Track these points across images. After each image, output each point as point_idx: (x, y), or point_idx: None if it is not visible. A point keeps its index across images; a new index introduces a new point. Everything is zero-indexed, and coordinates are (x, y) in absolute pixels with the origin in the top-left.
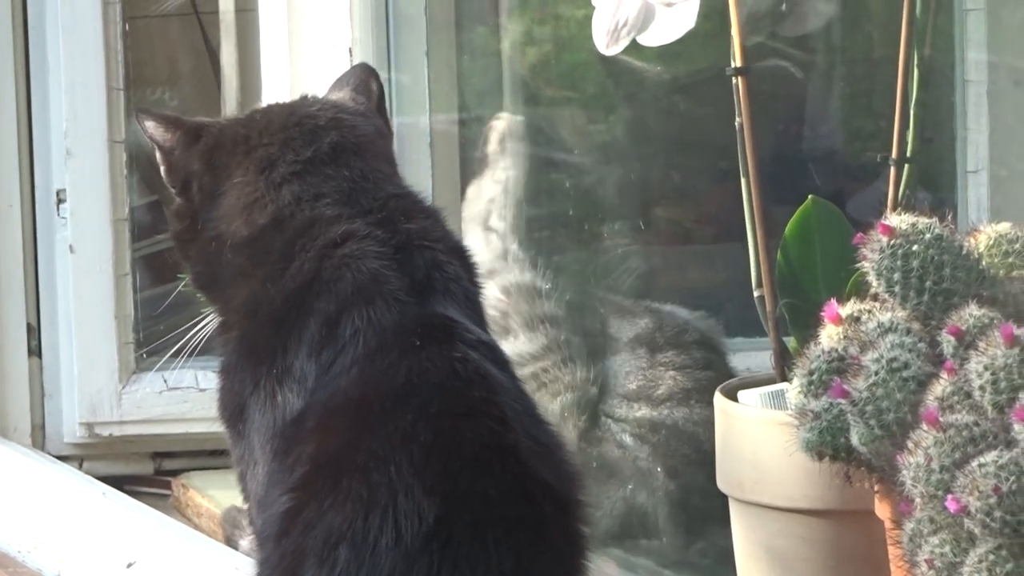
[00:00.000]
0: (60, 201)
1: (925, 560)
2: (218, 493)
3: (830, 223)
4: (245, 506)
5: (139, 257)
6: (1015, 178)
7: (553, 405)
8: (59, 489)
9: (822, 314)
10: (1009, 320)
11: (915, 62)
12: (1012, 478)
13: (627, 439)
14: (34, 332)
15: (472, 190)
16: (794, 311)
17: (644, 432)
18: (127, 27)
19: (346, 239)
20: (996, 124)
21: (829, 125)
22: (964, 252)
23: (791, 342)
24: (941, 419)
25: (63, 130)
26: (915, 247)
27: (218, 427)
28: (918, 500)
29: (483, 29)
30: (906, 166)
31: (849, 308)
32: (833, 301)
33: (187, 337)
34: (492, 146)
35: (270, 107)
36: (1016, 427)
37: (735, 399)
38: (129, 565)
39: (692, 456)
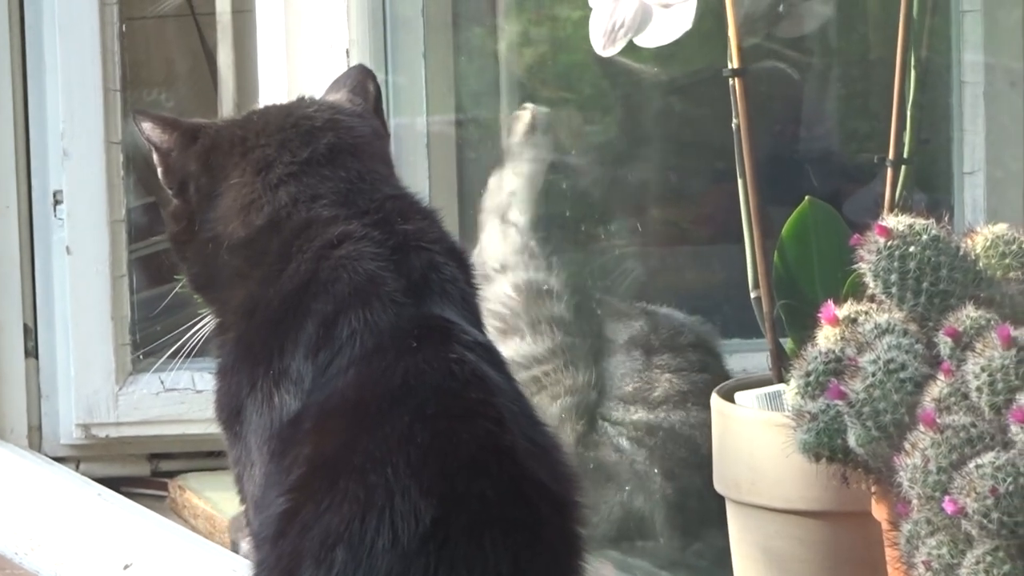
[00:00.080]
0: (57, 202)
1: (922, 561)
2: (215, 495)
3: (827, 224)
4: (242, 507)
5: (136, 258)
6: (1011, 179)
7: (552, 408)
8: (56, 491)
9: (819, 315)
10: (1006, 321)
11: (912, 63)
12: (1009, 479)
13: (624, 442)
14: (31, 333)
15: (494, 181)
16: (791, 312)
17: (641, 435)
18: (124, 28)
19: (343, 240)
20: (992, 125)
21: (826, 126)
22: (961, 253)
23: (788, 343)
24: (938, 420)
25: (60, 131)
26: (912, 248)
27: (215, 428)
28: (915, 501)
29: (480, 30)
30: (903, 167)
31: (846, 309)
32: (830, 302)
33: (184, 339)
34: (516, 137)
35: (267, 108)
36: (1013, 428)
37: (732, 400)
38: (126, 567)
39: (689, 459)
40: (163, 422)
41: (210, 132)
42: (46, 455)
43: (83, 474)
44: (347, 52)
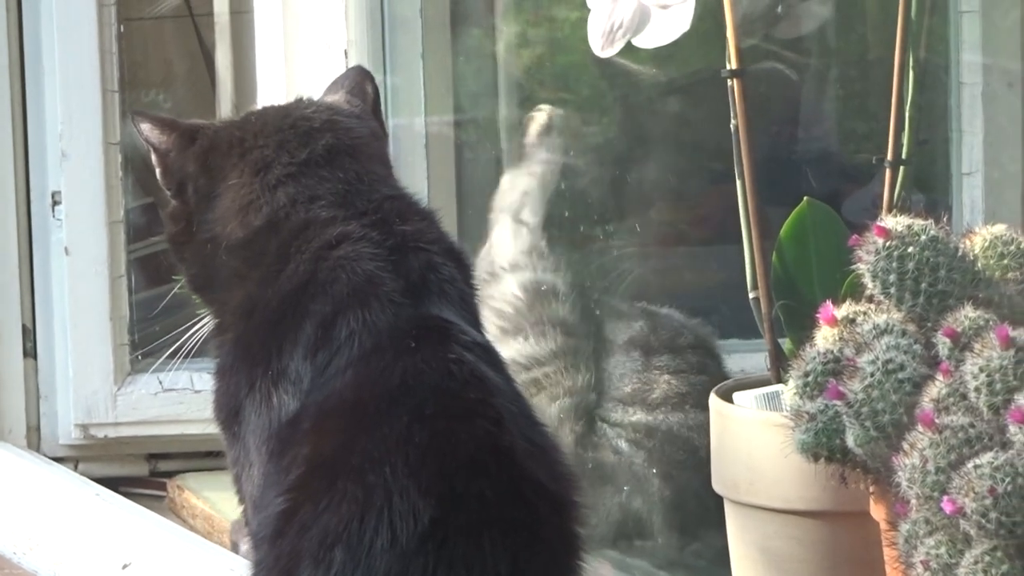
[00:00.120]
0: (55, 203)
1: (921, 561)
2: (213, 495)
3: (825, 225)
4: (240, 508)
5: (134, 259)
6: (1009, 180)
7: (551, 409)
8: (54, 491)
9: (817, 316)
10: (1004, 322)
11: (910, 64)
12: (1008, 479)
13: (622, 444)
14: (29, 334)
15: (507, 180)
16: (789, 313)
17: (639, 437)
18: (122, 29)
19: (341, 241)
20: (990, 126)
21: (824, 127)
22: (959, 254)
23: (786, 344)
24: (937, 421)
25: (58, 132)
26: (911, 249)
27: (213, 429)
28: (914, 501)
29: (478, 31)
30: (901, 168)
31: (844, 310)
32: (828, 303)
33: (183, 339)
34: (531, 137)
35: (265, 109)
36: (1012, 428)
37: (731, 401)
38: (124, 566)
39: (687, 460)
40: (161, 422)
41: (208, 133)
42: (45, 455)
43: (82, 474)
44: (345, 53)
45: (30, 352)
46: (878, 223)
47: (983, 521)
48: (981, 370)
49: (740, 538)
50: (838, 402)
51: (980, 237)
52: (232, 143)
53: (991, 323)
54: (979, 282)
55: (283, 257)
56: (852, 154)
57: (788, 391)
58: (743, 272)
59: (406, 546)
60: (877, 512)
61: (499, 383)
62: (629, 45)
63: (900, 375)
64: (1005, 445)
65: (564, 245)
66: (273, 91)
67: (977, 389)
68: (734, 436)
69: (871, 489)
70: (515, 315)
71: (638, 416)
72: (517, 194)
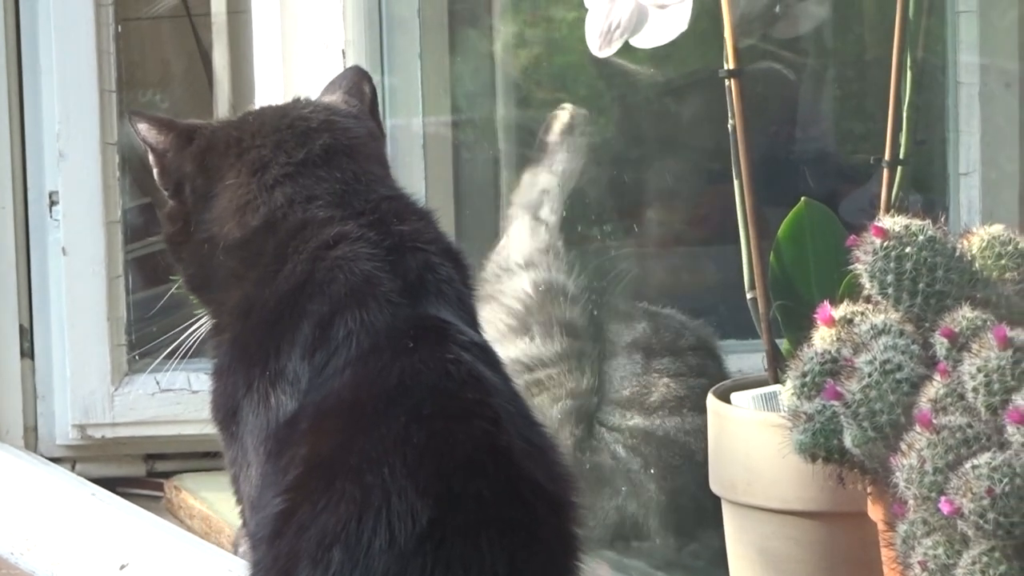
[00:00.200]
0: (53, 203)
1: (918, 562)
2: (211, 495)
3: (823, 225)
4: (238, 508)
5: (132, 259)
6: (1006, 180)
7: (552, 411)
8: (52, 491)
9: (815, 316)
10: (1002, 322)
11: (908, 64)
12: (1005, 480)
13: (620, 449)
14: (27, 334)
15: (527, 177)
16: (787, 313)
17: (637, 442)
18: (120, 29)
19: (339, 241)
20: (988, 126)
21: (822, 127)
22: (957, 254)
23: (784, 344)
24: (934, 421)
25: (56, 132)
26: (908, 249)
27: (211, 429)
28: (911, 502)
29: (476, 31)
30: (899, 168)
31: (842, 310)
32: (826, 303)
33: (180, 339)
34: (553, 136)
35: (263, 109)
36: (1009, 429)
37: (728, 401)
38: (122, 567)
39: (685, 465)
40: (159, 423)
41: (206, 133)
42: (42, 455)
43: (79, 474)
44: (343, 53)
45: (27, 352)
46: (876, 223)
47: (981, 522)
48: (979, 370)
49: (738, 539)
50: (836, 402)
51: (978, 237)
52: (229, 143)
53: (989, 323)
54: (977, 282)
55: (280, 257)
56: (850, 154)
57: (786, 391)
58: (740, 272)
59: (404, 546)
60: (875, 512)
61: (497, 383)
62: (627, 45)
63: (898, 375)
64: (1003, 445)
65: (565, 245)
66: (271, 91)
67: (975, 389)
68: (732, 437)
69: (869, 490)
70: (525, 313)
71: (636, 420)
72: (536, 192)
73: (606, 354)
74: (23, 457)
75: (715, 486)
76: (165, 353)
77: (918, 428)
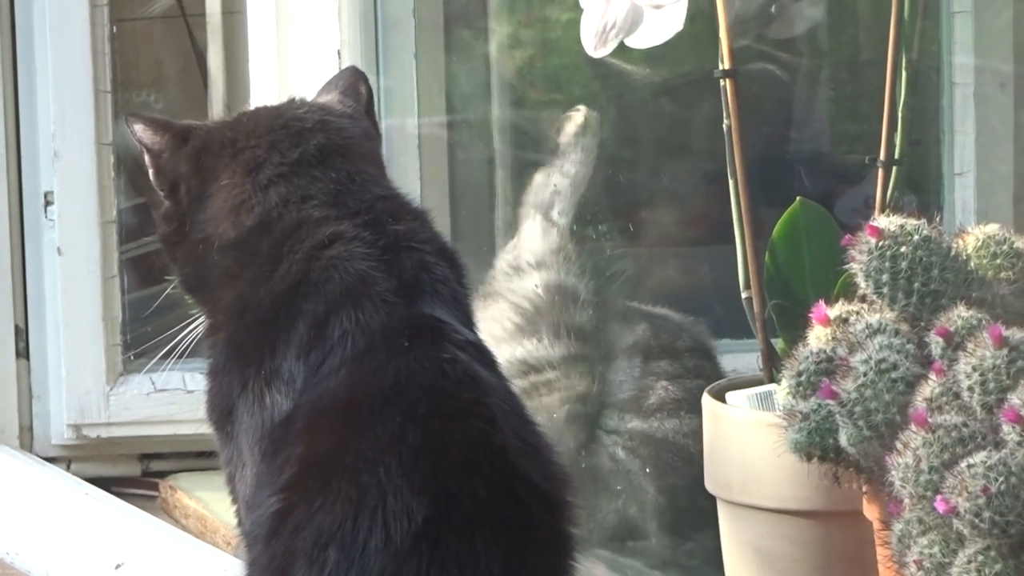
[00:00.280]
0: (48, 203)
1: (914, 561)
2: (206, 495)
3: (818, 225)
4: (234, 508)
5: (127, 259)
6: (1001, 180)
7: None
8: (47, 491)
9: (810, 315)
10: (997, 321)
11: (902, 65)
12: (1001, 479)
13: (619, 452)
14: (22, 334)
15: (540, 177)
16: (782, 313)
17: (635, 445)
18: (115, 29)
19: (333, 241)
20: (982, 127)
21: (817, 127)
22: (952, 254)
23: (779, 343)
24: (930, 420)
25: (51, 132)
26: (903, 249)
27: (206, 429)
28: (907, 501)
29: (471, 32)
30: (894, 168)
31: (837, 309)
32: (821, 303)
33: (177, 340)
34: (566, 137)
35: (257, 110)
36: (1005, 428)
37: (723, 400)
38: (117, 566)
39: (683, 468)
40: (154, 422)
41: (200, 134)
42: (37, 455)
43: (74, 474)
44: (338, 53)
45: (22, 352)
46: (871, 223)
47: (976, 520)
48: (974, 369)
49: (733, 538)
50: (831, 401)
51: (973, 237)
52: (224, 143)
53: (984, 322)
54: (972, 282)
55: (275, 257)
56: (844, 154)
57: (781, 391)
58: (735, 272)
59: (400, 546)
60: (870, 511)
61: (492, 382)
62: (622, 45)
63: (893, 374)
64: (998, 444)
65: (576, 247)
66: (266, 92)
67: (970, 388)
68: (727, 436)
69: (864, 488)
70: (534, 313)
71: (634, 423)
72: (548, 192)
73: (610, 358)
74: (18, 457)
75: (710, 485)
76: (161, 353)
77: (914, 427)
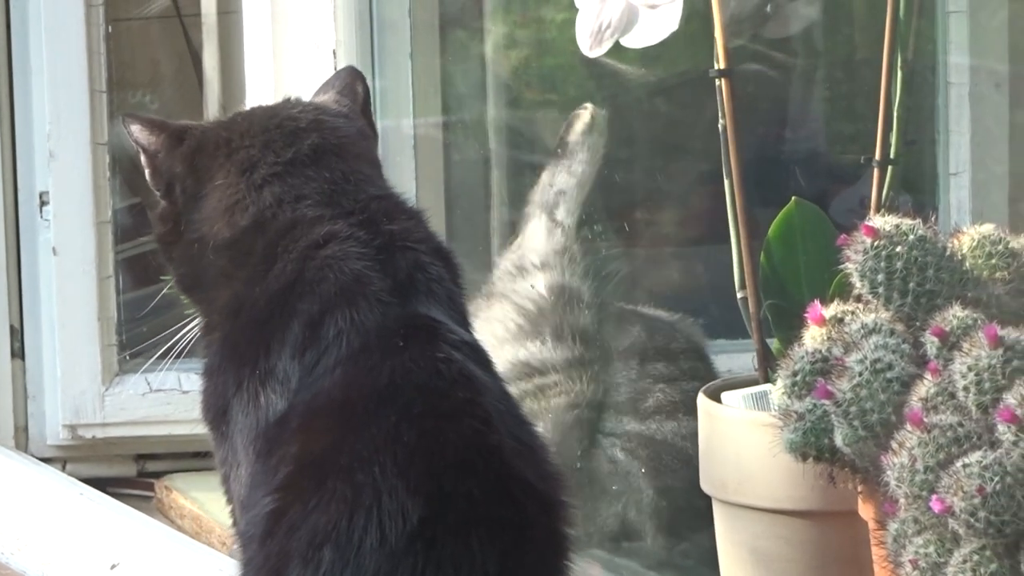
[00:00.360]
0: (43, 203)
1: (909, 560)
2: (201, 495)
3: (813, 225)
4: (229, 508)
5: (122, 259)
6: (996, 181)
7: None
8: (42, 491)
9: (805, 315)
10: (993, 321)
11: (898, 65)
12: (996, 478)
13: (618, 454)
14: (17, 334)
15: (546, 176)
16: (777, 313)
17: (634, 447)
18: (110, 29)
19: (328, 240)
20: (977, 127)
21: (812, 127)
22: (948, 254)
23: (774, 343)
24: (925, 420)
25: (46, 132)
26: (899, 248)
27: (201, 429)
28: (902, 501)
29: (466, 32)
30: (889, 168)
31: (833, 309)
32: (817, 302)
33: (173, 340)
34: (573, 136)
35: (252, 110)
36: (1000, 428)
37: (719, 400)
38: (113, 567)
39: (680, 468)
40: (149, 423)
41: (196, 134)
42: (33, 456)
43: (69, 475)
44: (334, 53)
45: (18, 352)
46: (866, 223)
47: (972, 520)
48: (970, 369)
49: (728, 538)
50: (826, 401)
51: (968, 237)
52: (219, 143)
53: (979, 322)
54: (967, 282)
55: (270, 256)
56: (840, 154)
57: (776, 391)
58: (731, 272)
59: (395, 545)
60: (865, 511)
61: (487, 382)
62: (617, 45)
63: (888, 374)
64: (994, 444)
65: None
66: (261, 92)
67: (966, 388)
68: (722, 436)
69: (859, 488)
70: (537, 315)
71: (632, 426)
72: (553, 192)
73: (610, 360)
74: (14, 457)
75: (706, 485)
76: (157, 354)
77: (909, 427)
